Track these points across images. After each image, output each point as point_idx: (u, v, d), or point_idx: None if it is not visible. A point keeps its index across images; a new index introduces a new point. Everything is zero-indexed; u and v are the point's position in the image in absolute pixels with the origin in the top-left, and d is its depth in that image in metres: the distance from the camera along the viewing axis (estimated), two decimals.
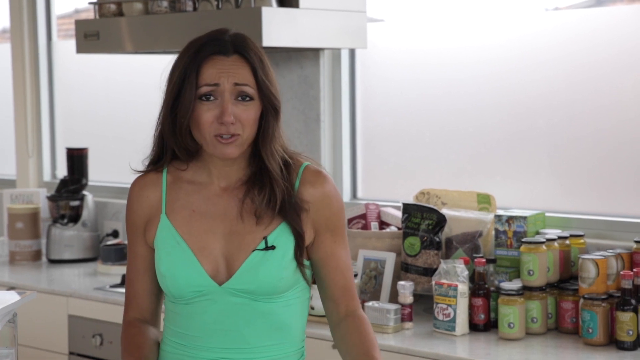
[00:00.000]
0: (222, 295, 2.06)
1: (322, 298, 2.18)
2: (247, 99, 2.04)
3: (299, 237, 2.08)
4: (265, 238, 2.06)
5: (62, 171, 4.77)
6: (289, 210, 2.07)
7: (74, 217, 4.30)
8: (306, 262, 2.13)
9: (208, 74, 2.03)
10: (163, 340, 2.16)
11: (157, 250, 2.12)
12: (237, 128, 2.03)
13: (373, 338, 2.13)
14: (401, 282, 3.11)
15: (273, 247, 2.06)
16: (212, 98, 2.03)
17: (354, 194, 3.85)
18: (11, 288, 3.83)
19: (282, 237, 2.08)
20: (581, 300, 2.90)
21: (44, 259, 4.33)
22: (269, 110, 2.06)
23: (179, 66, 2.06)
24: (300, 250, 2.09)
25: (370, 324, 2.16)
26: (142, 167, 2.18)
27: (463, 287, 3.00)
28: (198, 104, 2.04)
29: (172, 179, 2.15)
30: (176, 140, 2.09)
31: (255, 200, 2.08)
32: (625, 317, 2.79)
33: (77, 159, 4.34)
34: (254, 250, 2.06)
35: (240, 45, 2.06)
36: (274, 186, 2.07)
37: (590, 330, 2.84)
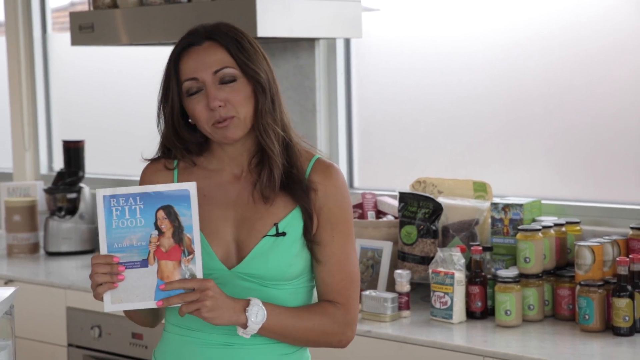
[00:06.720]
0: (231, 279, 2.06)
1: None
2: (232, 80, 2.05)
3: (307, 216, 2.08)
4: (276, 224, 2.07)
5: (58, 164, 4.76)
6: (297, 189, 2.07)
7: (71, 209, 4.30)
8: None
9: (185, 68, 2.06)
10: (166, 327, 2.16)
11: None
12: (230, 110, 2.05)
13: (317, 319, 2.08)
14: (398, 271, 3.11)
15: (284, 234, 2.07)
16: (198, 91, 2.05)
17: (350, 184, 3.85)
18: (9, 281, 3.84)
19: (293, 224, 2.08)
20: (577, 287, 2.90)
21: (41, 251, 4.34)
22: (256, 87, 2.07)
23: (165, 67, 2.10)
24: (309, 230, 2.08)
25: (333, 318, 2.09)
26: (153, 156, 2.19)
27: (460, 275, 3.01)
28: (188, 100, 2.07)
29: (184, 165, 2.16)
30: (179, 140, 2.11)
31: (260, 182, 2.09)
32: (622, 303, 2.79)
33: (73, 151, 4.34)
34: (264, 237, 2.07)
35: (211, 31, 2.08)
36: (271, 164, 2.07)
37: (587, 317, 2.85)
